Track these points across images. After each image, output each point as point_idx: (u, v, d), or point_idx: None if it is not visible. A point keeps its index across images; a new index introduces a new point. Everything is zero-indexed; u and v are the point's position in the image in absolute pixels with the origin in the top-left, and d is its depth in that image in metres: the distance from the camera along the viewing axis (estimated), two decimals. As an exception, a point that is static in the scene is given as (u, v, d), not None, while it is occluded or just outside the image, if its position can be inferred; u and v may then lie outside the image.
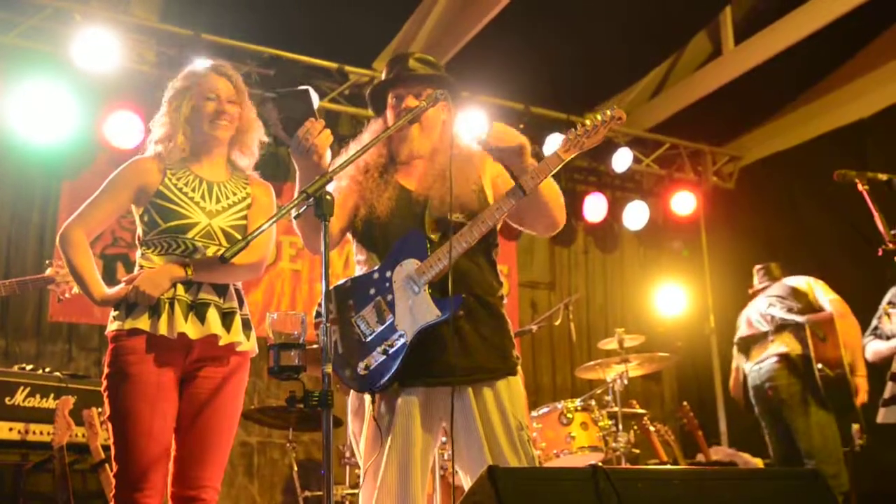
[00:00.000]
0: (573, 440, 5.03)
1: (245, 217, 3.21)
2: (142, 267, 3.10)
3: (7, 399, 4.60)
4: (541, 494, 2.31)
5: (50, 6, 5.93)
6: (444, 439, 3.04)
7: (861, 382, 5.39)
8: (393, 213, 2.98)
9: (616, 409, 5.60)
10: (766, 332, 5.80)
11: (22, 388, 4.66)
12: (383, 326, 2.86)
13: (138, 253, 3.17)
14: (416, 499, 2.79)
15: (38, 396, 4.69)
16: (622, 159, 7.79)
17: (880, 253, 4.16)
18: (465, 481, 2.88)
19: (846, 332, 5.43)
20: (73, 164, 6.14)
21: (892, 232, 4.15)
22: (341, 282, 3.01)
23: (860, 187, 4.21)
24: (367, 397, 2.92)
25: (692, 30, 7.42)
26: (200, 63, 3.35)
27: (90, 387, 4.78)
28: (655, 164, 8.43)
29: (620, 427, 5.49)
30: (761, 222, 7.95)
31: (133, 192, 3.16)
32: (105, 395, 3.02)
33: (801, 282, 5.87)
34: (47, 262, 3.98)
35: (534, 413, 5.18)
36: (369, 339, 2.87)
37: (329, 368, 2.36)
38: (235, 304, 3.15)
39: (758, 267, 6.23)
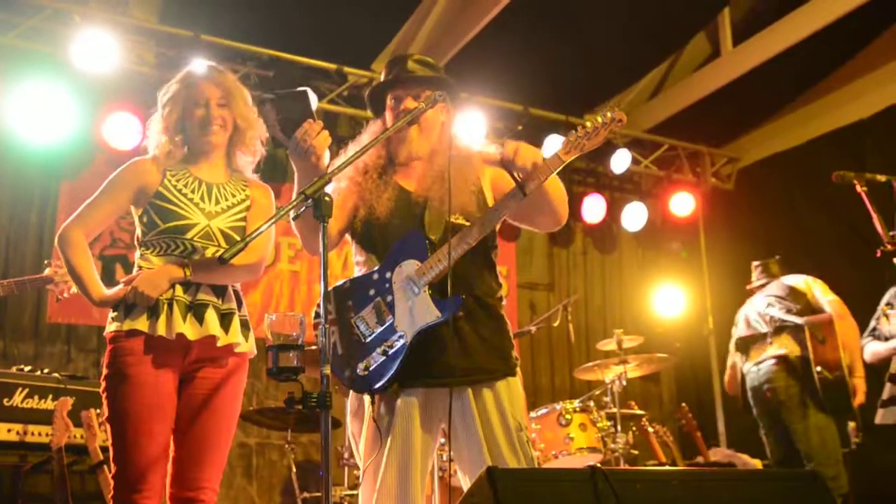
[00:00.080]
0: (572, 441, 5.03)
1: (244, 218, 3.21)
2: (140, 268, 3.10)
3: (5, 400, 4.60)
4: (539, 495, 2.31)
5: (49, 7, 5.93)
6: (443, 440, 3.04)
7: (859, 383, 5.39)
8: (392, 214, 2.99)
9: (615, 410, 5.60)
10: (764, 333, 5.80)
11: (20, 389, 4.65)
12: (383, 327, 2.86)
13: (137, 254, 3.17)
14: (416, 500, 2.79)
15: (36, 398, 4.69)
16: (621, 160, 7.79)
17: (879, 254, 4.16)
18: (465, 482, 2.88)
19: (845, 334, 5.43)
20: (72, 164, 6.14)
21: (891, 233, 4.16)
22: (340, 283, 3.01)
23: (859, 188, 4.22)
24: (367, 398, 2.92)
25: (691, 31, 7.42)
26: (194, 66, 3.34)
27: (89, 388, 4.77)
28: (654, 165, 8.44)
29: (619, 428, 5.49)
30: (760, 223, 7.95)
31: (132, 193, 3.16)
32: (103, 396, 3.02)
33: (800, 281, 5.87)
34: (46, 262, 3.98)
35: (532, 414, 5.18)
36: (369, 340, 2.87)
37: (328, 370, 2.36)
38: (234, 305, 3.15)
39: (756, 263, 6.23)
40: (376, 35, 6.80)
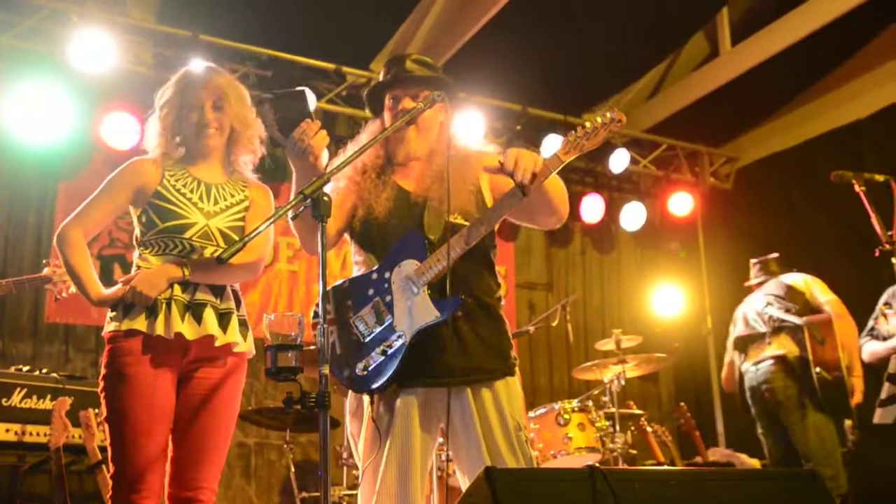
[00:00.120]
0: (570, 441, 5.03)
1: (243, 219, 3.21)
2: (139, 267, 3.10)
3: (4, 400, 4.59)
4: (538, 495, 2.31)
5: (47, 7, 5.93)
6: (442, 440, 3.04)
7: (857, 383, 5.40)
8: (391, 214, 2.99)
9: (613, 409, 5.61)
10: (763, 332, 5.80)
11: (19, 389, 4.65)
12: (382, 327, 2.86)
13: (136, 254, 3.17)
14: (416, 500, 2.79)
15: (34, 398, 4.68)
16: (619, 160, 7.80)
17: (877, 254, 4.17)
18: (464, 482, 2.88)
19: (844, 334, 5.44)
20: (70, 164, 6.13)
21: (889, 233, 4.16)
22: (339, 282, 3.01)
23: (857, 188, 4.23)
24: (366, 398, 2.91)
25: (689, 31, 7.43)
26: (190, 67, 3.32)
27: (87, 388, 4.77)
28: (653, 164, 8.44)
29: (618, 428, 5.49)
30: (758, 223, 7.96)
31: (131, 193, 3.15)
32: (102, 396, 3.02)
33: (798, 280, 5.87)
34: (44, 261, 3.98)
35: (531, 414, 5.18)
36: (368, 339, 2.87)
37: (326, 370, 2.36)
38: (232, 304, 3.15)
39: (754, 261, 6.23)
40: (375, 35, 6.81)
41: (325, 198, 2.48)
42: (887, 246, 4.15)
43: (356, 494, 3.03)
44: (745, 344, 5.97)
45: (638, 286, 8.51)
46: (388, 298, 2.87)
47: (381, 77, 3.20)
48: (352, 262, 3.14)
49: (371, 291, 2.91)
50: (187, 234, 3.08)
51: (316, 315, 2.86)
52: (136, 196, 3.15)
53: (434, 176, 3.00)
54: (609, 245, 8.61)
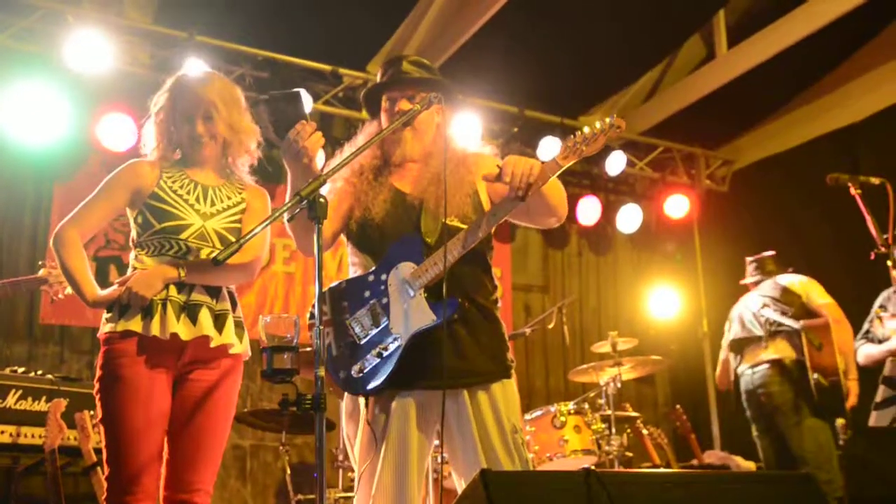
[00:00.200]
0: (566, 443, 5.03)
1: (239, 221, 3.21)
2: (135, 269, 3.09)
3: (-1, 401, 4.59)
4: (533, 498, 2.31)
5: (42, 8, 5.92)
6: (437, 442, 3.04)
7: (852, 386, 5.40)
8: (388, 216, 2.99)
9: (609, 412, 5.60)
10: (759, 336, 5.80)
11: (14, 390, 4.63)
12: (378, 329, 2.86)
13: (132, 255, 3.16)
14: (412, 501, 2.80)
15: (29, 399, 4.67)
16: (616, 162, 7.80)
17: (873, 257, 4.17)
18: (459, 484, 2.88)
19: (841, 338, 5.44)
20: (66, 166, 6.12)
21: (885, 236, 4.17)
22: (335, 283, 3.01)
23: (853, 191, 4.24)
24: (362, 400, 2.91)
25: (685, 33, 7.43)
26: (184, 72, 3.31)
27: (82, 389, 4.76)
28: (649, 167, 8.45)
29: (613, 430, 5.49)
30: (754, 226, 7.96)
31: (129, 195, 3.15)
32: (97, 397, 3.01)
33: (794, 281, 5.87)
34: (40, 262, 3.97)
35: (527, 416, 5.17)
36: (363, 341, 2.87)
37: (322, 371, 2.36)
38: (228, 305, 3.15)
39: (750, 259, 6.22)
40: (372, 36, 6.80)
41: (322, 199, 2.48)
42: (883, 249, 4.15)
43: (352, 497, 3.03)
44: (741, 346, 5.98)
45: (634, 288, 8.52)
46: (384, 301, 2.87)
47: (377, 78, 3.20)
48: (348, 264, 3.14)
49: (367, 293, 2.91)
50: (183, 235, 3.08)
51: (312, 316, 2.86)
52: (133, 197, 3.15)
53: (431, 178, 3.00)
54: (605, 247, 8.62)
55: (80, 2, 6.09)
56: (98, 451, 4.04)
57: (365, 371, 2.84)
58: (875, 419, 4.93)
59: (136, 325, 2.98)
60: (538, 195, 2.84)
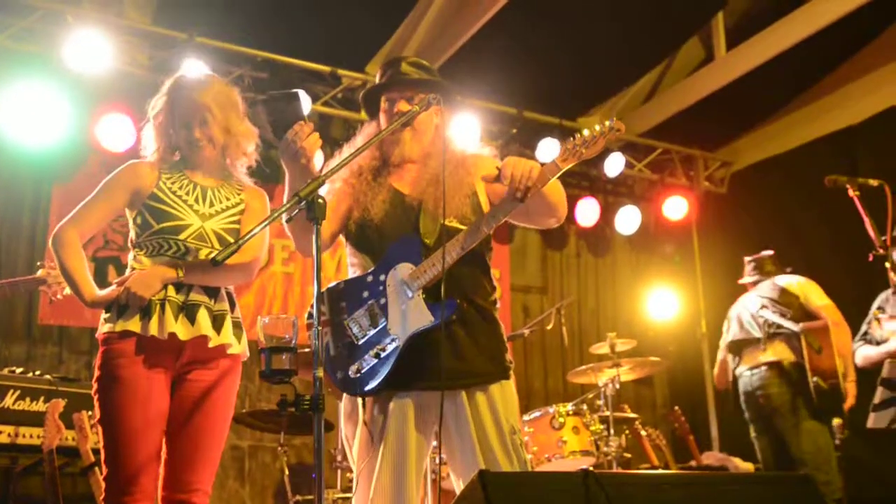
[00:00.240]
0: (565, 444, 5.02)
1: (238, 221, 3.21)
2: (133, 269, 3.10)
3: (-3, 402, 4.59)
4: (531, 499, 2.31)
5: (42, 8, 5.91)
6: (435, 443, 3.04)
7: (850, 387, 5.40)
8: (387, 216, 2.99)
9: (608, 413, 5.60)
10: (758, 338, 5.80)
11: (12, 391, 4.63)
12: (376, 330, 2.86)
13: (130, 256, 3.17)
14: (411, 501, 2.80)
15: (28, 399, 4.67)
16: (614, 164, 7.81)
17: (871, 258, 4.18)
18: (458, 485, 2.88)
19: (840, 341, 5.44)
20: (65, 166, 6.11)
21: (883, 237, 4.17)
22: (333, 284, 3.01)
23: (851, 192, 4.24)
24: (360, 401, 2.91)
25: (684, 35, 7.44)
26: (180, 77, 3.30)
27: (80, 390, 4.76)
28: (647, 168, 8.46)
29: (612, 431, 5.49)
30: (753, 227, 7.96)
31: (128, 196, 3.16)
32: (95, 398, 3.02)
33: (793, 282, 5.86)
34: (39, 263, 3.97)
35: (525, 417, 5.17)
36: (361, 342, 2.87)
37: (320, 372, 2.36)
38: (226, 306, 3.15)
39: (748, 259, 6.21)
40: (371, 38, 6.81)
41: (320, 200, 2.48)
42: (881, 250, 4.16)
43: (351, 497, 3.03)
44: (740, 348, 5.98)
45: (633, 290, 8.52)
46: (382, 301, 2.88)
47: (376, 79, 3.21)
48: (347, 265, 3.14)
49: (366, 294, 2.92)
50: (182, 236, 3.09)
51: (310, 316, 2.87)
52: (132, 198, 3.16)
53: (430, 179, 3.00)
54: (604, 248, 8.62)
55: (79, 2, 6.09)
56: (96, 452, 4.04)
57: (363, 371, 2.84)
58: (873, 421, 4.93)
59: (134, 325, 2.98)
60: (538, 196, 2.84)
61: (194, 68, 5.89)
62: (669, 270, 8.66)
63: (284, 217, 2.56)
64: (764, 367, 5.73)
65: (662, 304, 8.31)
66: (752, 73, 7.04)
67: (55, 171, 6.12)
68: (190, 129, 3.16)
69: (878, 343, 5.19)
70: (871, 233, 4.20)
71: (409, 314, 2.83)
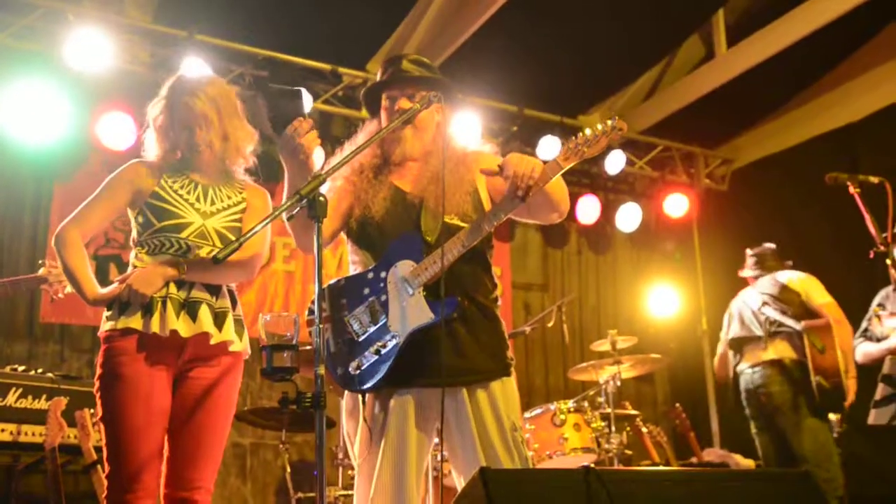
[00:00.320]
0: (566, 441, 5.03)
1: (240, 220, 3.22)
2: (135, 267, 3.11)
3: (-1, 400, 4.60)
4: (532, 496, 2.32)
5: (42, 6, 5.91)
6: (437, 440, 3.05)
7: (851, 384, 5.41)
8: (388, 214, 2.99)
9: (609, 410, 5.61)
10: (759, 336, 5.80)
11: (14, 389, 4.64)
12: (376, 327, 2.87)
13: (132, 254, 3.18)
14: (412, 499, 2.80)
15: (30, 397, 4.68)
16: (615, 161, 7.81)
17: (872, 255, 4.18)
18: (459, 482, 2.89)
19: (842, 339, 5.44)
20: (66, 165, 6.12)
21: (883, 234, 4.17)
22: (334, 281, 3.02)
23: (852, 190, 4.24)
24: (360, 397, 2.92)
25: (685, 33, 7.44)
26: (179, 78, 3.30)
27: (82, 388, 4.77)
28: (648, 166, 8.46)
29: (613, 428, 5.50)
30: (754, 225, 7.96)
31: (130, 195, 3.17)
32: (97, 396, 3.03)
33: (794, 278, 5.85)
34: (40, 261, 3.98)
35: (526, 414, 5.17)
36: (362, 339, 2.88)
37: (321, 370, 2.37)
38: (228, 303, 3.16)
39: (750, 252, 6.19)
40: (371, 36, 6.81)
41: (322, 198, 2.49)
42: (882, 247, 4.16)
43: (352, 494, 3.03)
44: (740, 345, 5.97)
45: (633, 287, 8.53)
46: (383, 298, 2.88)
47: (377, 77, 3.21)
48: (348, 262, 3.15)
49: (366, 291, 2.92)
50: (184, 234, 3.09)
51: (311, 312, 2.87)
52: (134, 197, 3.17)
53: (430, 177, 3.00)
54: (605, 246, 8.63)
55: (80, 0, 6.09)
56: (98, 450, 4.05)
57: (363, 368, 2.85)
58: (874, 417, 4.95)
59: (136, 322, 2.99)
60: (540, 193, 2.85)
61: (195, 66, 5.90)
62: (670, 268, 8.67)
63: (285, 215, 2.57)
64: (765, 365, 5.73)
65: (663, 301, 8.31)
66: (752, 71, 7.04)
67: (56, 170, 6.13)
68: (189, 134, 3.17)
69: (878, 340, 5.19)
70: (872, 230, 4.20)
71: (409, 311, 2.83)
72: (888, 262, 4.22)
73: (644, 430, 6.36)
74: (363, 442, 2.90)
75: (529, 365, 7.82)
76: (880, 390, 4.93)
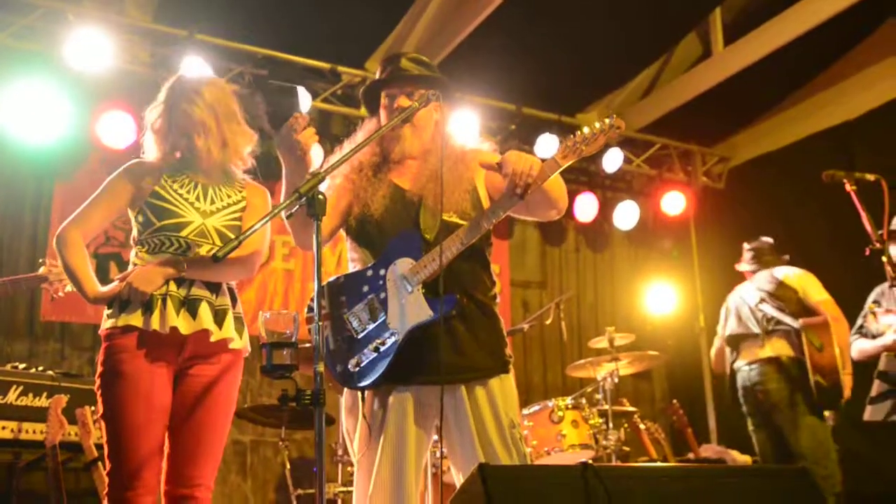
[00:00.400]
0: (564, 438, 5.05)
1: (239, 218, 3.23)
2: (135, 265, 3.12)
3: (0, 398, 4.61)
4: (531, 492, 2.33)
5: (42, 6, 5.91)
6: (436, 437, 3.07)
7: (847, 380, 5.43)
8: (387, 212, 3.01)
9: (606, 407, 5.63)
10: (756, 333, 5.81)
11: (15, 386, 4.65)
12: (375, 324, 2.88)
13: (132, 252, 3.19)
14: (410, 496, 2.81)
15: (30, 395, 4.69)
16: (613, 159, 7.83)
17: (868, 252, 4.20)
18: (458, 479, 2.90)
19: (840, 336, 5.46)
20: (66, 164, 6.12)
21: (879, 232, 4.19)
22: (333, 278, 3.03)
23: (848, 187, 4.25)
24: (359, 394, 2.94)
25: (682, 31, 7.45)
26: (177, 81, 3.30)
27: (83, 385, 4.79)
28: (646, 164, 8.47)
29: (611, 425, 5.52)
30: (750, 222, 7.97)
31: (130, 195, 3.18)
32: (98, 393, 3.04)
33: (791, 274, 5.86)
34: (41, 260, 4.00)
35: (525, 411, 5.19)
36: (361, 336, 2.89)
37: (321, 367, 2.38)
38: (228, 301, 3.18)
39: (748, 247, 6.19)
40: (370, 34, 6.81)
41: (321, 196, 2.50)
42: (877, 245, 4.18)
43: (351, 491, 3.05)
44: (738, 342, 5.98)
45: (631, 284, 8.54)
46: (382, 296, 2.89)
47: (376, 76, 3.22)
48: (347, 260, 3.16)
49: (366, 288, 2.94)
50: (184, 233, 3.11)
51: (310, 310, 2.89)
52: (134, 197, 3.18)
53: (429, 175, 3.02)
54: (602, 244, 8.64)
55: (80, 0, 6.10)
56: (99, 447, 4.08)
57: (362, 365, 2.87)
58: (870, 413, 4.96)
59: (136, 319, 3.01)
60: (539, 191, 2.86)
61: (195, 66, 5.91)
62: (667, 265, 8.68)
63: (284, 213, 2.59)
64: (762, 363, 5.74)
65: (661, 298, 8.33)
66: (749, 69, 7.06)
67: (56, 169, 6.13)
68: (189, 141, 3.19)
69: (873, 336, 5.19)
70: (868, 227, 4.21)
71: (408, 309, 2.84)
72: (884, 259, 4.24)
73: (641, 426, 6.37)
74: (362, 439, 2.91)
75: (528, 362, 7.84)
76: (876, 387, 4.94)
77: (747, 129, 8.45)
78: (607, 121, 2.86)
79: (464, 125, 6.63)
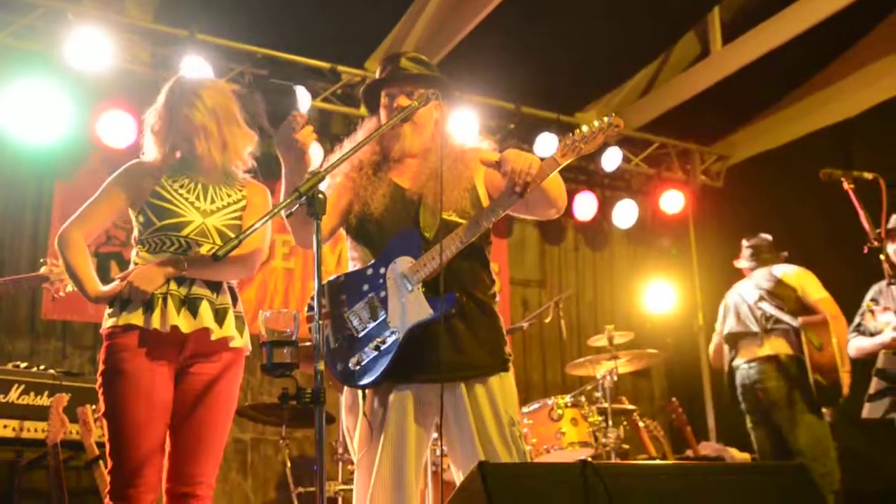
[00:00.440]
0: (563, 436, 5.06)
1: (240, 218, 3.24)
2: (136, 265, 3.13)
3: (1, 397, 4.61)
4: (530, 490, 2.33)
5: (42, 6, 5.91)
6: (436, 435, 3.08)
7: (845, 377, 5.44)
8: (387, 210, 3.01)
9: (606, 405, 5.63)
10: (755, 332, 5.82)
11: (16, 385, 4.66)
12: (375, 323, 2.89)
13: (133, 252, 3.20)
14: (411, 494, 2.82)
15: (32, 394, 4.70)
16: (612, 158, 7.83)
17: (866, 250, 4.22)
18: (458, 477, 2.91)
19: (839, 334, 5.47)
20: (66, 163, 6.12)
21: (877, 230, 4.21)
22: (334, 277, 3.03)
23: (846, 186, 4.27)
24: (360, 393, 2.95)
25: (680, 30, 7.46)
26: (177, 83, 3.30)
27: (84, 384, 4.79)
28: (644, 163, 8.48)
29: (610, 423, 5.52)
30: (749, 221, 7.97)
31: (131, 195, 3.19)
32: (99, 392, 3.05)
33: (789, 272, 5.86)
34: (42, 260, 4.01)
35: (524, 409, 5.20)
36: (361, 334, 2.90)
37: (321, 365, 2.39)
38: (228, 300, 3.19)
39: (746, 244, 6.20)
40: (370, 34, 6.82)
41: (320, 195, 2.51)
42: (875, 243, 4.19)
43: (352, 489, 3.06)
44: (736, 340, 5.99)
45: (630, 283, 8.55)
46: (382, 294, 2.90)
47: (376, 75, 3.23)
48: (347, 258, 3.17)
49: (366, 287, 2.94)
50: (184, 232, 3.12)
51: (311, 308, 2.90)
52: (135, 197, 3.19)
53: (429, 173, 3.02)
54: (602, 242, 8.65)
55: (80, 0, 6.11)
56: (100, 445, 4.09)
57: (362, 363, 2.88)
58: (868, 411, 4.97)
59: (137, 318, 3.02)
60: (538, 189, 2.87)
61: (195, 65, 5.91)
62: (666, 264, 8.69)
63: (284, 212, 2.59)
64: (761, 361, 5.75)
65: (660, 296, 8.34)
66: (748, 68, 7.06)
67: (57, 168, 6.13)
68: (190, 144, 3.20)
69: (871, 334, 5.20)
70: (866, 225, 4.23)
71: (408, 307, 2.85)
72: (881, 257, 4.26)
73: (641, 424, 6.38)
74: (363, 437, 2.92)
75: (527, 360, 7.85)
76: (874, 384, 4.95)
77: (746, 127, 8.45)
78: (606, 119, 2.87)
79: (463, 124, 6.64)
